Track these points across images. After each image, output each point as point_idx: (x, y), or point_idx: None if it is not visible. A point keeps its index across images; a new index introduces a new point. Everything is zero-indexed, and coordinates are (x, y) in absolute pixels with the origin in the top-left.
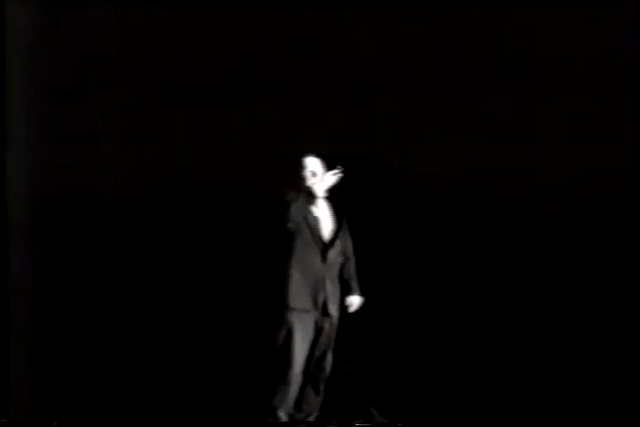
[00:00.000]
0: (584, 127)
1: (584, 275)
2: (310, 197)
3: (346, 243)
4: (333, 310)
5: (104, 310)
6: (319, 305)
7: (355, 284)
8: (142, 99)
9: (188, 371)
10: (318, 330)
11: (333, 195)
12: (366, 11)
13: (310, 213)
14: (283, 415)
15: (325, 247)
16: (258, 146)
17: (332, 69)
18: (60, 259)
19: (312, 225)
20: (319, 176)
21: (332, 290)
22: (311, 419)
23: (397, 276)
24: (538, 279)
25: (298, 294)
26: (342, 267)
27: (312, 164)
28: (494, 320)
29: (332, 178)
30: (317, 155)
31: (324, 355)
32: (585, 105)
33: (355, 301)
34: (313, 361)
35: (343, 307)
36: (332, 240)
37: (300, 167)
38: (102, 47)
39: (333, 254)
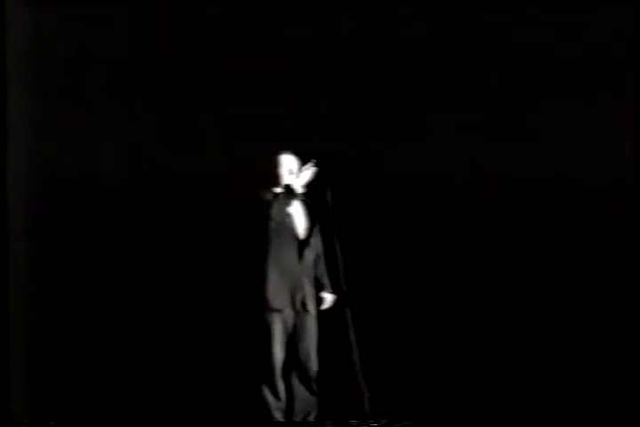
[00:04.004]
0: (584, 127)
1: (584, 275)
2: (290, 195)
3: (318, 240)
4: (312, 307)
5: (104, 311)
6: (297, 304)
7: (326, 281)
8: (142, 99)
9: (187, 371)
10: (299, 328)
11: (310, 192)
12: (350, 9)
13: (289, 213)
14: (277, 415)
15: (301, 245)
16: (250, 145)
17: (328, 68)
18: (60, 259)
19: (289, 223)
20: (295, 173)
21: (309, 288)
22: (310, 418)
23: (388, 273)
24: (537, 280)
25: (276, 294)
26: (315, 264)
27: (288, 161)
28: (493, 320)
29: (307, 173)
30: (294, 152)
31: (308, 353)
32: (585, 105)
33: (327, 298)
34: (299, 360)
35: (318, 304)
36: (307, 238)
37: (277, 165)
38: (102, 47)
39: (308, 252)
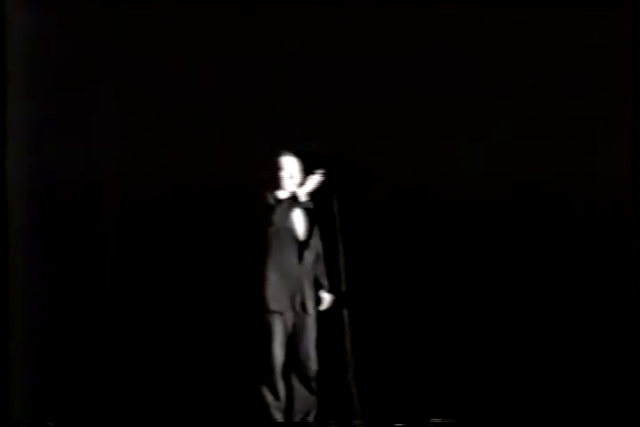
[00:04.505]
0: (584, 127)
1: (583, 275)
2: (294, 202)
3: (318, 240)
4: (311, 308)
5: (104, 311)
6: (297, 306)
7: (325, 281)
8: (142, 99)
9: (187, 371)
10: (298, 329)
11: (314, 197)
12: (350, 9)
13: (291, 217)
14: (277, 415)
15: (301, 246)
16: (250, 145)
17: (331, 70)
18: (60, 259)
19: (289, 227)
20: (297, 177)
21: (308, 289)
22: (310, 418)
23: (388, 274)
24: (537, 280)
25: (276, 296)
26: (314, 264)
27: (289, 164)
28: (492, 321)
29: (312, 182)
30: (295, 153)
31: (308, 353)
32: (585, 105)
33: (326, 298)
34: (298, 359)
35: (318, 304)
36: (307, 239)
37: (277, 166)
38: (102, 47)
39: (308, 253)
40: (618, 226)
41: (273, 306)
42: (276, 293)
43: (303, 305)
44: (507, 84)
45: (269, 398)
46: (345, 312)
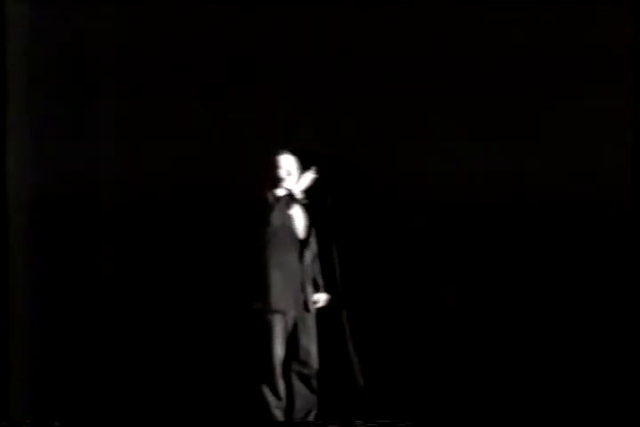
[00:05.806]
0: (584, 127)
1: (584, 275)
2: (291, 200)
3: (315, 240)
4: (312, 306)
5: (104, 310)
6: (300, 305)
7: (321, 280)
8: (142, 98)
9: (187, 371)
10: (299, 327)
11: (309, 192)
12: (351, 9)
13: (289, 216)
14: (278, 414)
15: (302, 246)
16: (250, 145)
17: (331, 70)
18: (60, 259)
19: (288, 225)
20: (294, 176)
21: (309, 287)
22: (311, 417)
23: (388, 273)
24: (537, 280)
25: (280, 296)
26: (312, 263)
27: (287, 162)
28: (493, 320)
29: (307, 179)
30: (292, 152)
31: (308, 351)
32: (585, 105)
33: (321, 298)
34: (299, 358)
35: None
36: (307, 238)
37: (276, 166)
38: (102, 47)
39: (308, 253)
40: (618, 226)
41: (276, 305)
42: (279, 293)
43: (305, 304)
44: (507, 84)
45: (270, 397)
46: (344, 311)
